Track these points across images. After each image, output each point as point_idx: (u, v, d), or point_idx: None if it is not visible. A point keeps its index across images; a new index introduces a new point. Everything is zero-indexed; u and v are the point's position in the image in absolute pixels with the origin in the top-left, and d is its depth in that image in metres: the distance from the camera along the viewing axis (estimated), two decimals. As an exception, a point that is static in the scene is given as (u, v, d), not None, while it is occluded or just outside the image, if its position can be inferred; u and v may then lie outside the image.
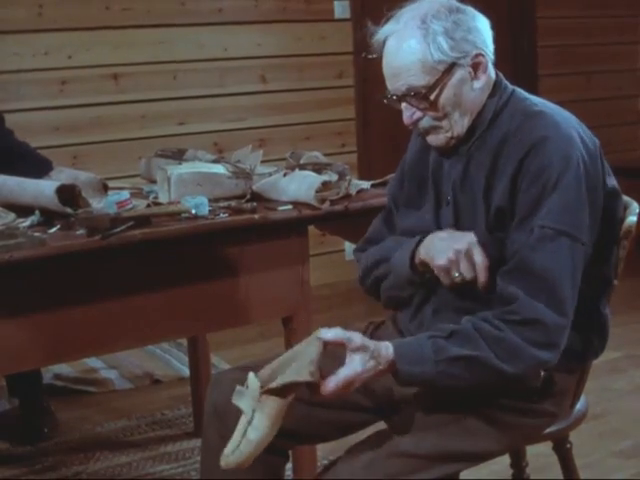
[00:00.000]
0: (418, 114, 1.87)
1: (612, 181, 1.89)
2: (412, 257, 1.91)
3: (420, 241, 1.91)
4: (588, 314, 1.90)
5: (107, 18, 4.46)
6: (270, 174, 2.71)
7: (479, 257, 1.82)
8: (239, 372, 1.94)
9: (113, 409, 3.67)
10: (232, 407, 1.74)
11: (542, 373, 1.88)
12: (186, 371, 3.72)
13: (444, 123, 1.87)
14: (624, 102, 6.14)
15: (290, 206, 2.56)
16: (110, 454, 3.24)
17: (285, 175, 2.67)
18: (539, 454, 2.39)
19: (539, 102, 1.90)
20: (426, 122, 1.88)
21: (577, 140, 1.81)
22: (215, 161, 2.84)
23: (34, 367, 3.04)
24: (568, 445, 2.14)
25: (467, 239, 1.84)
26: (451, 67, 1.82)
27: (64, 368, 3.92)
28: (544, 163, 1.77)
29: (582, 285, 1.80)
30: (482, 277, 1.82)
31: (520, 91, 1.93)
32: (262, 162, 2.83)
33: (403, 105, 1.88)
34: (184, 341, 3.84)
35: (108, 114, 4.50)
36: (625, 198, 2.02)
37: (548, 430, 1.98)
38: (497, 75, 1.91)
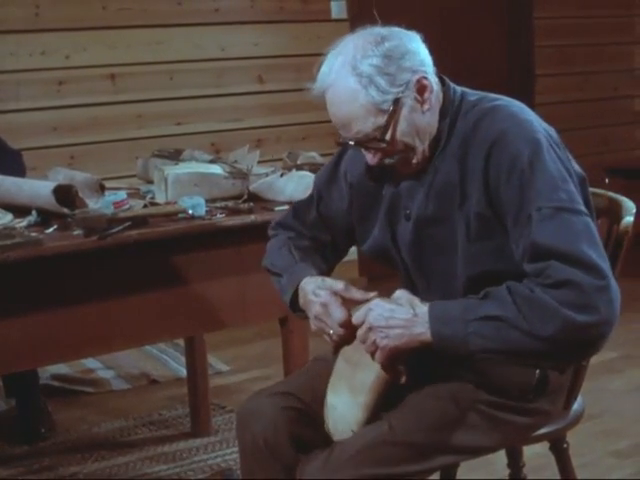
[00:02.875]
0: (380, 154, 1.84)
1: (578, 168, 1.85)
2: (295, 294, 1.95)
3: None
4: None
5: (104, 18, 4.45)
6: (267, 174, 2.71)
7: (336, 312, 1.84)
8: (272, 398, 1.93)
9: (110, 409, 3.67)
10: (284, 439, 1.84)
11: (536, 372, 1.88)
12: (183, 371, 3.72)
13: (408, 154, 1.84)
14: (621, 102, 6.14)
15: (287, 206, 2.56)
16: (107, 454, 3.24)
17: (282, 175, 2.67)
18: (536, 454, 2.39)
19: (492, 97, 1.88)
20: (390, 159, 1.85)
21: (537, 124, 1.80)
22: (212, 161, 2.84)
23: (31, 367, 3.04)
24: (565, 445, 2.13)
25: (325, 294, 1.87)
26: (396, 102, 1.78)
27: (61, 368, 3.92)
28: (513, 153, 1.74)
29: None
30: (339, 332, 1.84)
31: (469, 91, 1.90)
32: (259, 162, 2.83)
33: (362, 150, 1.85)
34: (181, 341, 3.84)
35: (105, 114, 4.49)
36: (620, 198, 2.02)
37: (545, 430, 1.98)
38: (443, 81, 1.88)
